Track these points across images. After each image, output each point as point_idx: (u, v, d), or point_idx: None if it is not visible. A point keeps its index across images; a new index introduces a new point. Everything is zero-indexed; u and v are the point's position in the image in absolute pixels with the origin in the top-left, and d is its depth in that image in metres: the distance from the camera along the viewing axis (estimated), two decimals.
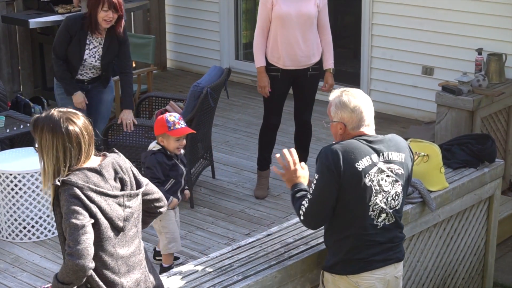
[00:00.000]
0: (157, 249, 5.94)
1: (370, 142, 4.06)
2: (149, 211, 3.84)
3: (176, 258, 5.96)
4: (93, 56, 6.73)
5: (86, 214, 3.43)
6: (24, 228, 6.28)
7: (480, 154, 5.49)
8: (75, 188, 3.44)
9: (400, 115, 8.85)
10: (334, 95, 4.14)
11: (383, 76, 8.90)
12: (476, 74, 7.15)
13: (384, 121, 8.44)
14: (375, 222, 4.05)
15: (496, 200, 5.61)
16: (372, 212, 4.04)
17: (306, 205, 4.08)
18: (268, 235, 4.57)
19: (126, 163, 3.68)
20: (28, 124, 7.11)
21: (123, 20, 6.71)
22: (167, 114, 5.63)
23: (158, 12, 10.59)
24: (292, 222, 4.73)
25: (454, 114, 6.83)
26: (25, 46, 9.41)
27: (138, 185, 3.69)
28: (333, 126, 4.13)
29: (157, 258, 5.93)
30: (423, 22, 8.46)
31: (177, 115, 5.62)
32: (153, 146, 5.64)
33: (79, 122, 3.53)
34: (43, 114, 3.55)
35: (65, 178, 3.46)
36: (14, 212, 6.25)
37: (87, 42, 6.71)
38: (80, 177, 3.48)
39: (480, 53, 7.35)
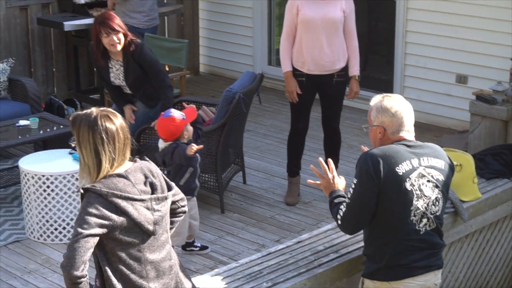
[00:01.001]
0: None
1: (410, 146, 4.07)
2: (174, 211, 3.82)
3: (205, 248, 6.15)
4: (118, 78, 6.80)
5: (95, 225, 3.41)
6: (56, 229, 6.30)
7: None
8: (98, 196, 3.45)
9: (433, 123, 8.79)
10: (375, 100, 4.17)
11: (417, 84, 8.85)
12: (511, 83, 7.04)
13: (417, 129, 8.23)
14: (417, 227, 4.04)
15: None
16: (413, 217, 4.02)
17: (343, 209, 4.08)
18: (298, 242, 4.55)
19: (157, 169, 3.69)
20: (62, 126, 7.18)
21: (130, 38, 6.65)
22: (167, 114, 5.69)
23: (192, 16, 10.63)
24: (322, 230, 4.71)
25: (488, 124, 6.76)
26: (60, 48, 9.49)
27: (169, 189, 3.70)
28: (373, 130, 4.14)
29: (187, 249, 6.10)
30: (458, 30, 8.41)
31: (170, 111, 5.73)
32: (165, 144, 5.73)
33: (116, 122, 3.56)
34: (83, 111, 3.60)
35: (89, 186, 3.47)
36: (46, 213, 6.27)
37: (110, 66, 6.78)
38: (105, 184, 3.48)
39: None
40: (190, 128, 5.76)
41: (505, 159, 5.49)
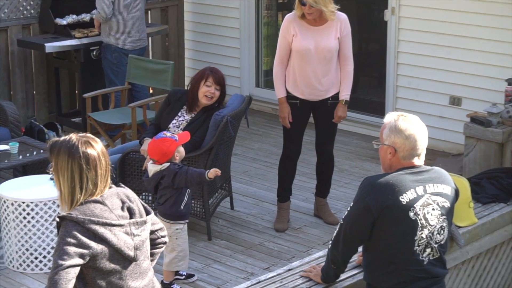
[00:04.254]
0: (164, 281, 5.90)
1: (415, 173, 3.98)
2: (154, 242, 3.79)
3: (191, 276, 6.07)
4: (177, 125, 6.62)
5: (75, 255, 3.37)
6: (36, 258, 6.18)
7: (511, 188, 5.42)
8: (75, 223, 3.40)
9: (427, 146, 8.64)
10: (390, 117, 4.08)
11: (409, 106, 8.73)
12: (506, 105, 7.06)
13: None
14: (420, 257, 3.96)
15: None
16: (417, 247, 3.95)
17: (336, 230, 4.05)
18: (289, 270, 4.49)
19: (134, 194, 3.66)
20: (42, 151, 7.09)
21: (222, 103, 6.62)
22: (160, 136, 5.72)
23: (177, 37, 10.56)
24: (313, 257, 4.65)
25: (483, 146, 6.75)
26: (41, 70, 9.38)
27: (147, 213, 3.69)
28: (383, 149, 4.05)
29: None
30: (451, 51, 8.37)
31: (163, 133, 5.79)
32: (158, 167, 5.67)
33: (97, 147, 3.54)
34: (62, 138, 3.58)
35: (64, 214, 3.42)
36: (26, 241, 6.15)
37: (179, 113, 6.66)
38: (81, 210, 3.44)
39: (510, 83, 7.24)
40: (182, 150, 5.74)
41: (501, 182, 5.46)
